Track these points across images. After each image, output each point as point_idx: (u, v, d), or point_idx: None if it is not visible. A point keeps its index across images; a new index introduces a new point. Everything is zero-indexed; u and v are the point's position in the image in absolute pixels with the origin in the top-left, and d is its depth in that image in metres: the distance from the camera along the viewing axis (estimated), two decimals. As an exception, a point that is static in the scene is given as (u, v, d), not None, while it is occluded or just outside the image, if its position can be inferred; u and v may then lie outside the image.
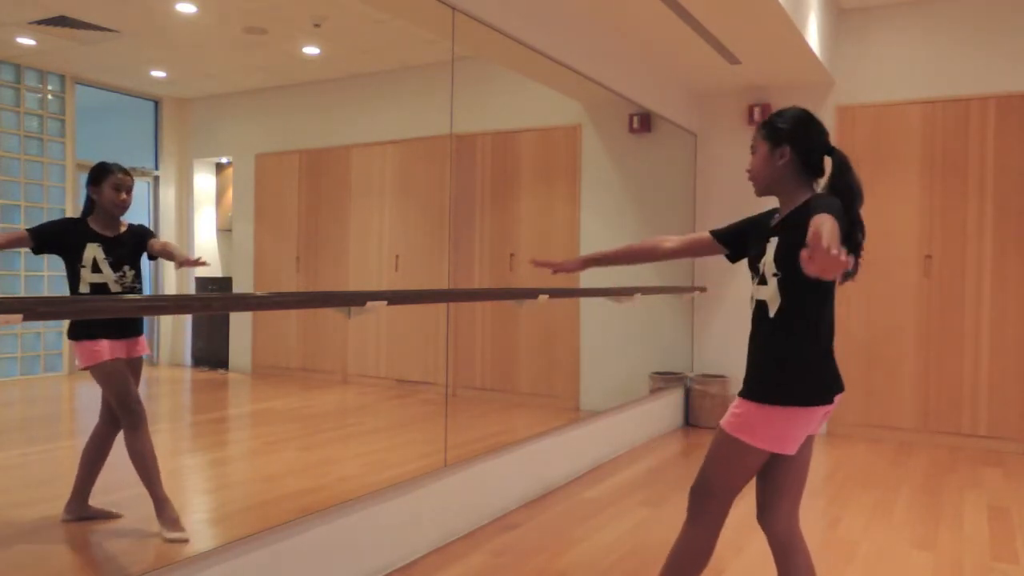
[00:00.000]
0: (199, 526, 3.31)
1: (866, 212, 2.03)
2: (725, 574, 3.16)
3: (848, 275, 2.05)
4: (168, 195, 5.54)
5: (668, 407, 6.16)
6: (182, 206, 5.71)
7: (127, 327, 3.12)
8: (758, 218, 2.20)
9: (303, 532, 2.76)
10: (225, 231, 6.44)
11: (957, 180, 5.62)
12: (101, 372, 3.02)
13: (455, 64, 3.72)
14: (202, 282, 6.11)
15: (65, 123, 4.60)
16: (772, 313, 2.02)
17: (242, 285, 6.56)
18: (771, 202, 2.12)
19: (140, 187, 5.30)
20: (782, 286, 1.99)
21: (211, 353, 6.17)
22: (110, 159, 3.14)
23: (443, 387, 6.35)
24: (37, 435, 4.66)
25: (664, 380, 6.29)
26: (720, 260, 2.24)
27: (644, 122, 6.13)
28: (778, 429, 1.96)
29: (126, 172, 3.12)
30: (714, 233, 2.29)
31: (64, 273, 3.06)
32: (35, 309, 1.90)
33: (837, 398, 2.03)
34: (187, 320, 5.85)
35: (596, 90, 5.08)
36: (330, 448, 4.94)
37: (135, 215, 3.22)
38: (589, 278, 6.17)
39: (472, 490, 3.68)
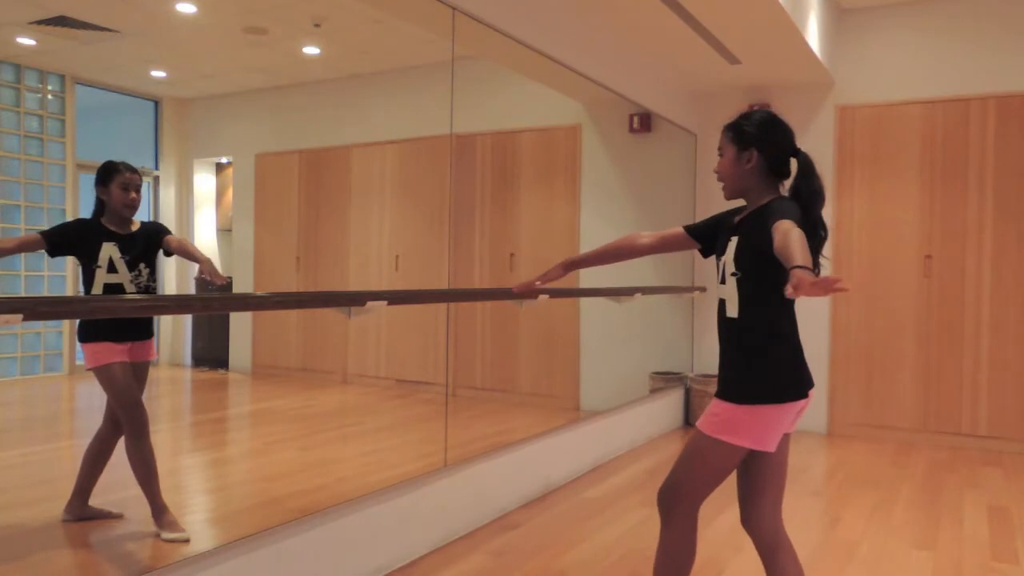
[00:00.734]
0: (199, 526, 3.31)
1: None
2: (725, 574, 3.16)
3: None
4: (168, 195, 5.54)
5: (668, 407, 6.16)
6: (182, 206, 5.71)
7: (136, 330, 3.10)
8: (723, 216, 2.23)
9: (303, 532, 2.76)
10: (225, 231, 6.44)
11: (957, 180, 5.62)
12: (105, 375, 3.01)
13: (455, 64, 3.72)
14: (202, 282, 6.11)
15: (65, 123, 4.60)
16: (733, 313, 2.05)
17: (242, 285, 6.56)
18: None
19: (141, 187, 5.30)
20: (741, 286, 2.02)
21: (211, 353, 6.17)
22: (112, 159, 3.13)
23: (443, 387, 6.35)
24: (37, 435, 4.66)
25: (664, 380, 6.29)
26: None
27: (644, 122, 6.13)
28: (757, 427, 1.99)
29: (133, 170, 3.10)
30: (687, 228, 2.32)
31: (64, 273, 3.05)
32: (35, 309, 1.90)
33: (811, 392, 2.06)
34: (187, 320, 5.85)
35: (596, 90, 5.08)
36: (330, 448, 4.94)
37: (136, 215, 3.22)
38: (589, 278, 6.18)
39: (472, 490, 3.69)
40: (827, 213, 2.17)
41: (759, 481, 2.10)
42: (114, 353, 3.00)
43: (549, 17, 4.29)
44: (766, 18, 4.56)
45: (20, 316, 1.81)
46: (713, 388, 6.22)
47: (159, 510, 3.02)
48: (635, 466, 4.98)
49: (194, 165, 5.88)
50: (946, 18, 5.67)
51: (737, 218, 2.12)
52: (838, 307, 5.96)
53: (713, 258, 2.24)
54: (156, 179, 5.49)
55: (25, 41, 4.66)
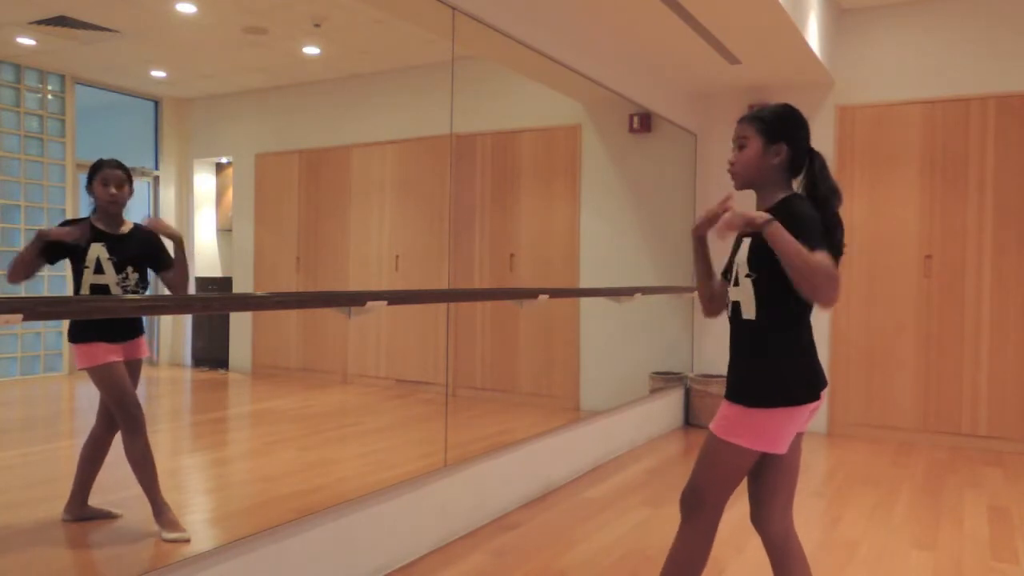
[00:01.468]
0: (199, 526, 3.31)
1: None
2: (725, 574, 3.16)
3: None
4: (168, 195, 5.54)
5: (668, 407, 6.16)
6: (182, 206, 5.71)
7: (127, 329, 3.09)
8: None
9: (303, 532, 2.76)
10: (225, 231, 6.44)
11: (957, 180, 5.62)
12: (100, 375, 3.00)
13: (455, 64, 3.72)
14: (202, 282, 6.11)
15: (65, 123, 4.59)
16: (748, 315, 2.03)
17: (242, 285, 6.56)
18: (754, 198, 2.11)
19: (140, 187, 5.30)
20: (756, 287, 2.00)
21: (211, 353, 6.17)
22: (102, 157, 3.09)
23: (443, 387, 6.35)
24: (37, 435, 4.66)
25: (664, 380, 6.29)
26: (719, 259, 2.25)
27: (644, 122, 6.13)
28: (768, 430, 1.97)
29: (116, 166, 3.02)
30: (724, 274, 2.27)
31: (64, 273, 3.04)
32: (35, 309, 1.90)
33: (823, 393, 2.04)
34: (187, 320, 5.85)
35: (596, 90, 5.08)
36: (330, 448, 4.94)
37: (136, 215, 3.20)
38: (589, 279, 6.18)
39: (472, 490, 3.68)
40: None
41: (770, 482, 2.09)
42: (109, 353, 3.00)
43: (549, 17, 4.29)
44: (766, 18, 4.56)
45: (20, 316, 1.81)
46: (713, 388, 6.23)
47: (159, 508, 3.02)
48: (635, 466, 4.98)
49: (194, 165, 5.88)
50: (946, 18, 5.67)
51: None
52: (838, 307, 5.96)
53: (720, 257, 2.22)
54: (156, 179, 5.49)
55: (25, 41, 4.66)
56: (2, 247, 4.27)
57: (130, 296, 2.98)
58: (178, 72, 5.66)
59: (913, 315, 5.74)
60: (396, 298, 3.32)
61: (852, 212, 5.83)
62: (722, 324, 6.41)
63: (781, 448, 2.00)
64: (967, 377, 5.58)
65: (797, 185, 2.11)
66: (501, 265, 6.54)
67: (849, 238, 6.76)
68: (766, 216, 1.88)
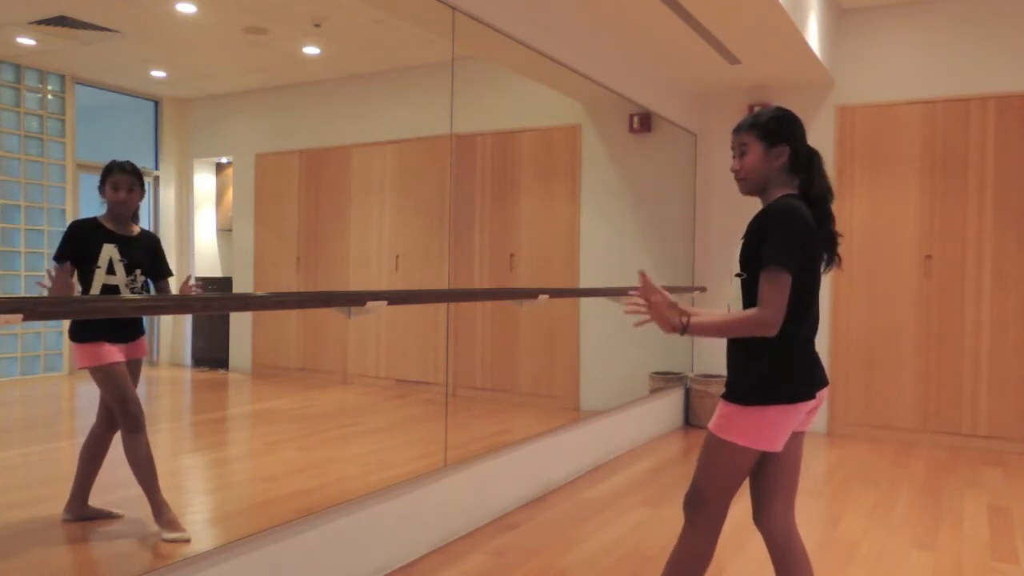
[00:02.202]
0: (199, 526, 3.31)
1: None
2: (725, 573, 3.16)
3: (830, 265, 2.11)
4: (168, 195, 5.54)
5: (668, 407, 6.16)
6: (182, 206, 5.70)
7: (129, 329, 3.10)
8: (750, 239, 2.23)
9: (303, 532, 2.76)
10: (225, 231, 6.43)
11: (957, 180, 5.62)
12: (102, 375, 3.01)
13: (455, 64, 3.72)
14: (202, 282, 6.10)
15: (65, 123, 4.59)
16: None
17: (242, 285, 6.56)
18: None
19: (137, 187, 5.29)
20: (746, 286, 2.03)
21: (211, 353, 6.17)
22: (110, 159, 3.11)
23: (443, 387, 6.35)
24: (37, 435, 4.66)
25: (664, 380, 6.29)
26: (719, 259, 2.26)
27: (644, 122, 6.13)
28: (762, 428, 1.98)
29: (125, 170, 3.06)
30: (738, 274, 2.30)
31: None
32: (35, 309, 1.90)
33: (821, 393, 2.05)
34: (187, 320, 5.84)
35: (596, 90, 5.08)
36: (330, 448, 4.94)
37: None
38: (589, 279, 6.18)
39: (472, 490, 3.68)
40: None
41: (770, 481, 2.10)
42: (112, 353, 3.01)
43: (549, 17, 4.29)
44: (766, 18, 4.56)
45: (20, 316, 1.81)
46: (713, 388, 6.23)
47: (159, 508, 3.02)
48: (635, 466, 4.98)
49: (194, 165, 5.87)
50: (946, 18, 5.67)
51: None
52: (838, 307, 5.96)
53: (720, 257, 2.25)
54: (156, 179, 5.48)
55: (25, 41, 4.66)
56: (2, 247, 4.26)
57: (130, 296, 2.98)
58: (178, 72, 5.66)
59: (913, 315, 5.74)
60: (396, 298, 3.32)
61: (852, 212, 5.83)
62: (722, 324, 6.41)
63: (776, 446, 2.01)
64: (967, 377, 5.58)
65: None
66: (501, 265, 6.54)
67: (849, 238, 6.76)
68: (677, 324, 1.98)
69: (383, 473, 4.23)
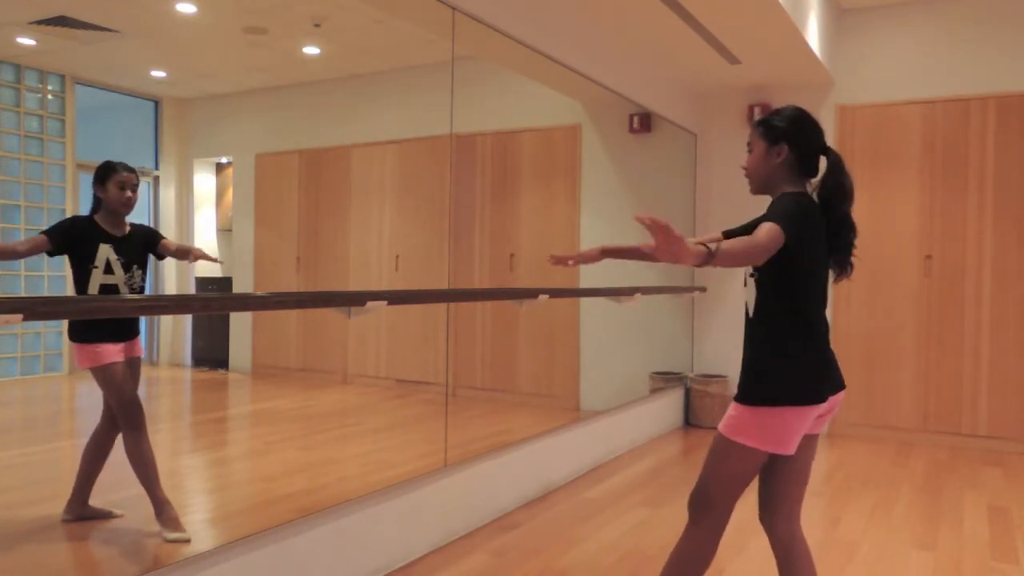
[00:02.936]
0: (199, 526, 3.31)
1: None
2: (725, 574, 3.16)
3: (841, 274, 2.09)
4: (168, 195, 5.54)
5: (668, 407, 6.16)
6: (182, 206, 5.70)
7: (127, 329, 3.12)
8: (759, 217, 2.20)
9: (303, 532, 2.76)
10: (225, 231, 6.43)
11: (957, 180, 5.62)
12: (103, 374, 3.02)
13: (455, 64, 3.72)
14: (202, 282, 6.11)
15: (65, 123, 4.59)
16: (752, 313, 2.04)
17: (242, 285, 6.55)
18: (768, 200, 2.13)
19: (140, 187, 5.29)
20: (759, 285, 2.02)
21: (211, 353, 6.16)
22: (110, 159, 3.13)
23: (443, 387, 6.34)
24: (37, 435, 4.66)
25: (664, 380, 6.29)
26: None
27: (644, 122, 6.13)
28: (772, 430, 1.96)
29: (131, 170, 3.12)
30: (725, 233, 2.29)
31: (64, 273, 3.05)
32: (35, 309, 1.90)
33: (834, 397, 2.03)
34: (187, 320, 5.84)
35: (596, 90, 5.08)
36: (330, 448, 4.94)
37: (136, 215, 3.22)
38: (589, 278, 6.18)
39: (472, 490, 3.68)
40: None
41: (779, 482, 2.09)
42: (112, 353, 3.02)
43: (549, 17, 4.29)
44: (766, 18, 4.56)
45: (20, 316, 1.81)
46: (713, 388, 6.23)
47: (161, 507, 3.02)
48: (635, 466, 4.98)
49: (194, 165, 5.87)
50: (946, 18, 5.67)
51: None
52: (838, 307, 5.96)
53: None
54: (156, 179, 5.48)
55: (25, 41, 4.66)
56: (2, 247, 4.26)
57: (130, 296, 2.98)
58: (178, 72, 5.66)
59: (913, 315, 5.74)
60: (396, 298, 3.32)
61: (852, 212, 5.83)
62: (722, 324, 6.41)
63: (788, 449, 1.99)
64: (967, 377, 5.58)
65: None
66: (501, 265, 6.54)
67: (849, 238, 6.61)
68: (703, 251, 1.67)
69: (383, 473, 4.23)
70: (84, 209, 3.15)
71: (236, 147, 6.52)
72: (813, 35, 5.19)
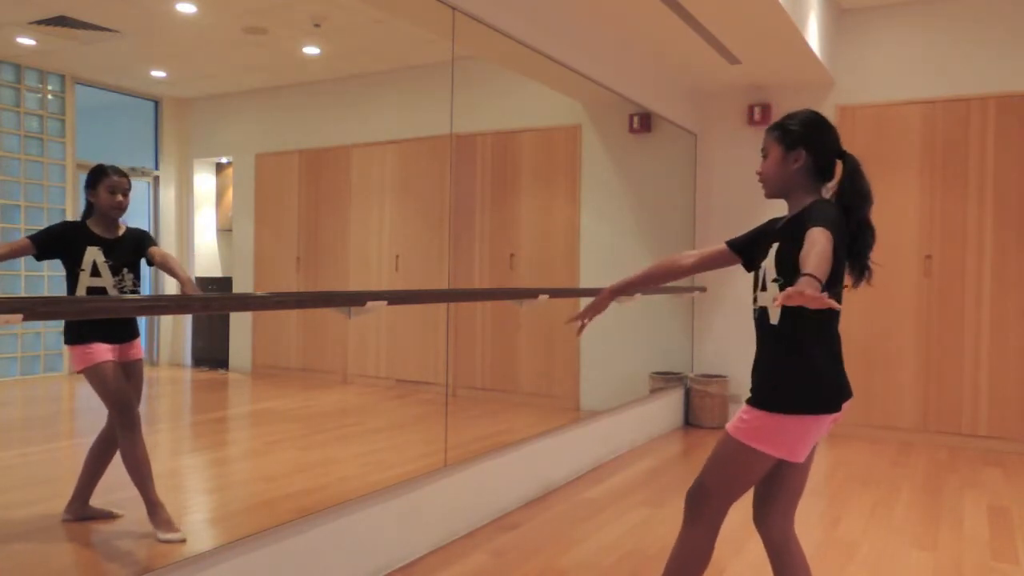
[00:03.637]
0: (199, 526, 3.31)
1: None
2: (725, 574, 3.16)
3: (860, 280, 2.08)
4: (168, 195, 5.54)
5: (668, 407, 6.16)
6: (182, 206, 5.70)
7: (121, 331, 3.10)
8: (765, 225, 2.19)
9: (303, 532, 2.76)
10: (225, 231, 6.43)
11: (957, 180, 5.62)
12: (95, 375, 3.01)
13: (455, 64, 3.72)
14: (202, 282, 6.11)
15: (65, 123, 4.59)
16: (774, 320, 2.01)
17: (242, 285, 6.55)
18: (777, 203, 2.12)
19: (140, 187, 5.30)
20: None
21: (211, 353, 6.16)
22: (110, 159, 3.13)
23: (443, 387, 6.34)
24: (37, 435, 4.66)
25: (664, 380, 6.29)
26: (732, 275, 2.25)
27: (644, 122, 6.13)
28: (789, 437, 1.95)
29: (121, 174, 3.10)
30: (730, 243, 2.26)
31: (63, 274, 3.05)
32: (35, 309, 1.90)
33: (846, 405, 2.03)
34: (187, 320, 5.84)
35: (596, 90, 5.08)
36: (330, 448, 4.94)
37: (136, 216, 3.22)
38: (589, 279, 6.18)
39: (472, 490, 3.68)
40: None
41: (778, 486, 2.09)
42: (102, 352, 3.01)
43: (549, 17, 4.29)
44: (766, 18, 4.56)
45: (20, 316, 1.81)
46: (713, 388, 6.23)
47: (154, 508, 3.02)
48: (635, 466, 4.98)
49: (194, 165, 5.87)
50: (946, 18, 5.67)
51: (780, 224, 2.09)
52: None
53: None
54: (156, 179, 5.48)
55: (25, 41, 4.66)
56: (2, 247, 4.26)
57: (130, 296, 2.98)
58: (178, 72, 5.66)
59: (913, 315, 5.74)
60: (396, 298, 3.32)
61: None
62: (722, 324, 6.41)
63: (800, 456, 1.99)
64: (967, 377, 5.58)
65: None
66: (501, 265, 6.54)
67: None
68: (817, 286, 1.62)
69: (383, 473, 4.23)
70: (84, 209, 3.16)
71: (236, 147, 6.52)
72: (813, 35, 5.19)
